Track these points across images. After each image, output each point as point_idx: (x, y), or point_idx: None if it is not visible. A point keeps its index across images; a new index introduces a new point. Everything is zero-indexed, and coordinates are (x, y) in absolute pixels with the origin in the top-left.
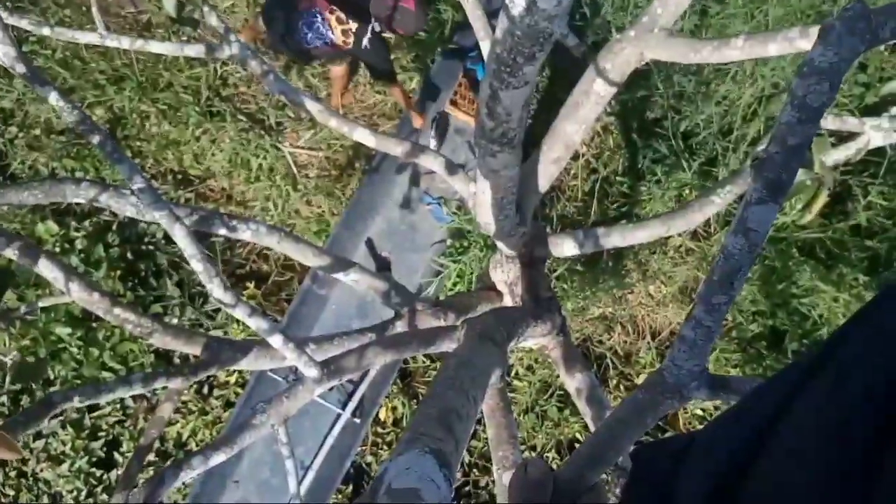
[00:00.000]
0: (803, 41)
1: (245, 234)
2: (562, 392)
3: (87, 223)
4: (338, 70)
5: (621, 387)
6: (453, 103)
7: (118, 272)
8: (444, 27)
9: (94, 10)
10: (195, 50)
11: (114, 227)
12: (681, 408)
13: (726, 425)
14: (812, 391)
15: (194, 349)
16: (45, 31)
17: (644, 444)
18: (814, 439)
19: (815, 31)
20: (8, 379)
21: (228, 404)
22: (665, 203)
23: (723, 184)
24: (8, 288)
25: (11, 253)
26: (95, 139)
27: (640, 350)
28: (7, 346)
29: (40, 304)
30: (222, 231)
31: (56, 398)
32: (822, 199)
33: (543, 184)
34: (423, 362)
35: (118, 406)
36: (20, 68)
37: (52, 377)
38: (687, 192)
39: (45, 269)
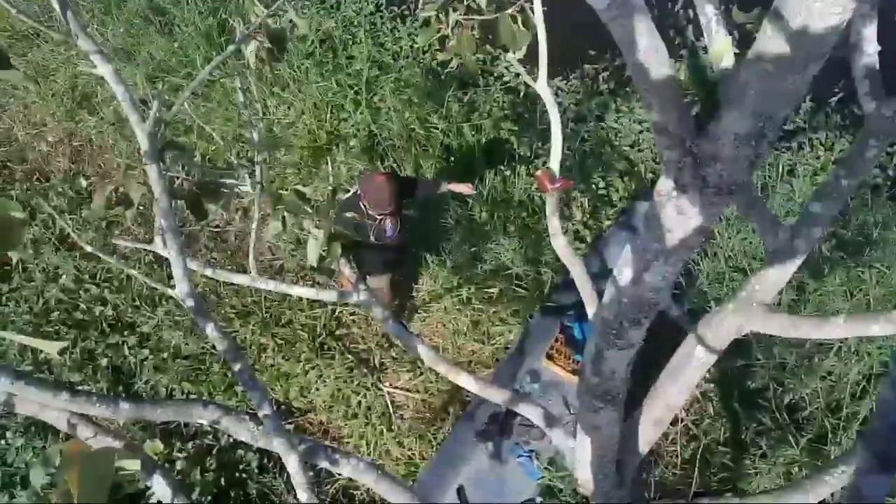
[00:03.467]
0: None
1: (346, 468)
2: None
3: (189, 445)
4: (377, 283)
5: None
6: (549, 357)
7: (209, 498)
8: (544, 287)
9: (250, 258)
10: (329, 295)
11: (213, 452)
12: None
13: None
14: None
15: None
16: (208, 272)
17: None
18: None
19: None
20: None
21: None
22: (772, 480)
23: (835, 463)
24: None
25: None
26: (237, 366)
27: None
28: None
29: None
30: (324, 463)
31: None
32: None
33: (644, 445)
34: None
35: None
36: (190, 303)
37: None
38: (796, 469)
39: (158, 484)
